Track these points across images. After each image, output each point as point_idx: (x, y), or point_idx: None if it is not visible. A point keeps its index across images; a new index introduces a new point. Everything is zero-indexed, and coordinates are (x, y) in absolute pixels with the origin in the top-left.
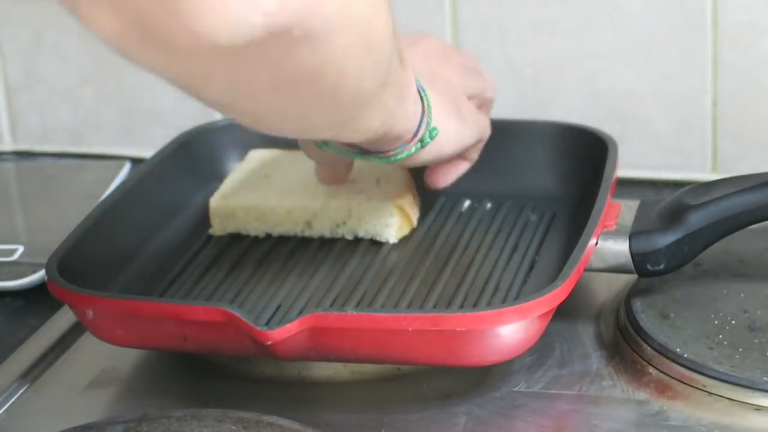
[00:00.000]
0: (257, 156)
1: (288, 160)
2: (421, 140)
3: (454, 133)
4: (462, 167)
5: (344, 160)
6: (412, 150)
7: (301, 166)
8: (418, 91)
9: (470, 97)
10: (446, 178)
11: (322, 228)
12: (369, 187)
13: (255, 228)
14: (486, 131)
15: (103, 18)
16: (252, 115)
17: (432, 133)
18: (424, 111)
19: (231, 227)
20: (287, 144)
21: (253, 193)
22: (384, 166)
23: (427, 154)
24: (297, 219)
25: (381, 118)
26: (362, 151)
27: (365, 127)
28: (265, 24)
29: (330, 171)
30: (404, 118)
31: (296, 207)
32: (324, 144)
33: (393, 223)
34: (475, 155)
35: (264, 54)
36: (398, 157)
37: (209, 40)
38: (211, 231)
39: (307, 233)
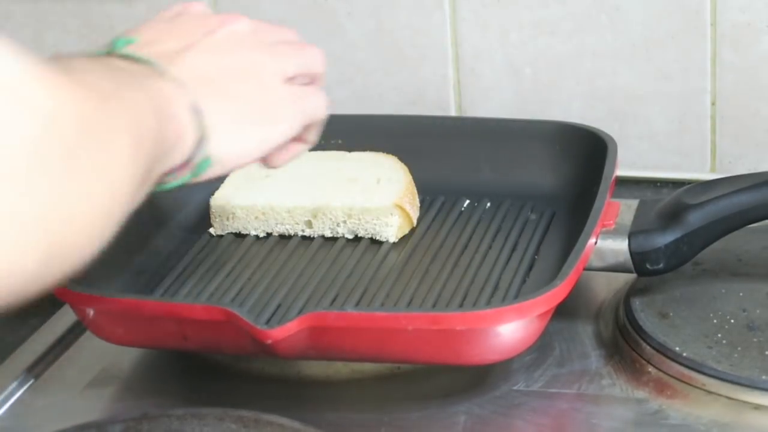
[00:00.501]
0: None
1: None
2: (193, 171)
3: (254, 143)
4: (297, 149)
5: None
6: (184, 178)
7: (302, 164)
8: (192, 117)
9: (292, 78)
10: (278, 160)
11: (322, 227)
12: (369, 186)
13: (255, 227)
14: (317, 110)
15: None
16: None
17: (204, 165)
18: (200, 139)
19: (231, 227)
20: None
21: (254, 192)
22: (384, 165)
23: (211, 175)
24: (297, 218)
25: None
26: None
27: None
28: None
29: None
30: (167, 159)
31: (297, 206)
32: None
33: (393, 223)
34: (312, 137)
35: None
36: (170, 184)
37: None
38: (211, 230)
39: (308, 232)
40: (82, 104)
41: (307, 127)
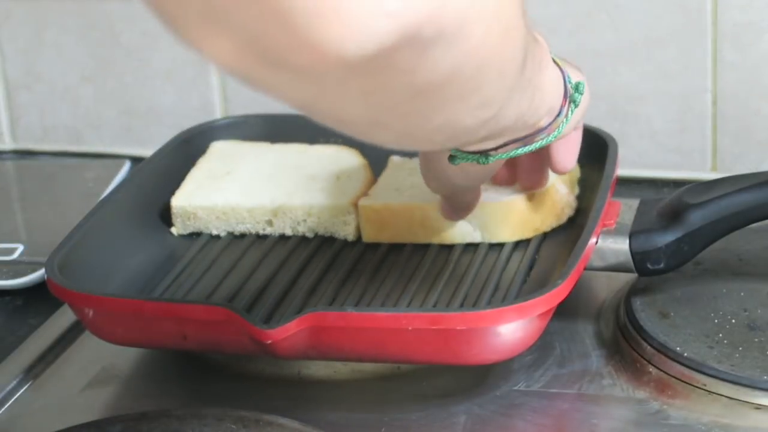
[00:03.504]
0: (220, 149)
1: (251, 154)
2: (573, 100)
3: (586, 88)
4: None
5: (483, 176)
6: (570, 114)
7: (263, 159)
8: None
9: None
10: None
11: (283, 226)
12: (329, 184)
13: (217, 227)
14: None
15: (215, 42)
16: (398, 133)
17: (579, 88)
18: (560, 68)
19: (193, 227)
20: (253, 137)
21: (215, 192)
22: (345, 161)
23: (578, 116)
24: (258, 218)
25: (528, 97)
26: (504, 145)
27: (516, 113)
28: (391, 27)
29: (460, 200)
30: (550, 86)
31: (257, 206)
32: (461, 155)
33: (350, 221)
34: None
35: (397, 61)
36: (561, 129)
37: (332, 54)
38: (173, 230)
39: (269, 231)
40: None
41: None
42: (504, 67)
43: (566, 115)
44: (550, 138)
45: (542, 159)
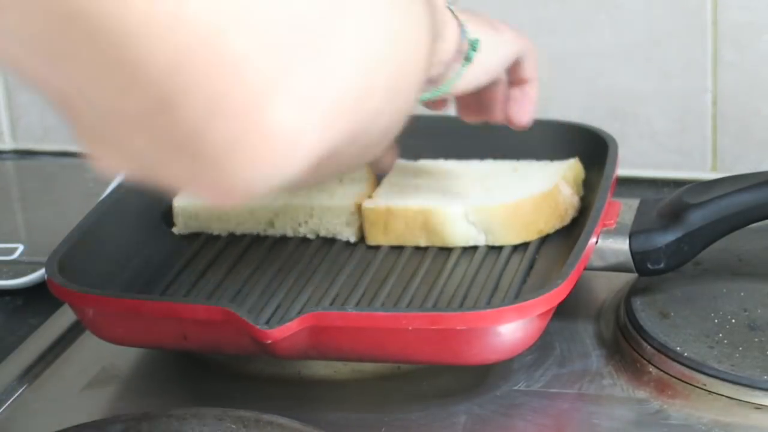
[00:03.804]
0: None
1: None
2: (466, 56)
3: (492, 45)
4: (533, 91)
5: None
6: (460, 70)
7: None
8: (448, 8)
9: None
10: (525, 109)
11: (284, 227)
12: (331, 186)
13: (218, 227)
14: (529, 44)
15: (111, 163)
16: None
17: (474, 45)
18: (460, 25)
19: (194, 226)
20: None
21: None
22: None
23: (478, 72)
24: (259, 218)
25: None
26: None
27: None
28: (305, 161)
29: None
30: (445, 43)
31: (258, 206)
32: None
33: (352, 223)
34: (534, 72)
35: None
36: (449, 82)
37: (241, 190)
38: (174, 229)
39: (270, 232)
40: None
41: (517, 62)
42: (415, 88)
43: (455, 70)
44: (436, 92)
45: (480, 101)
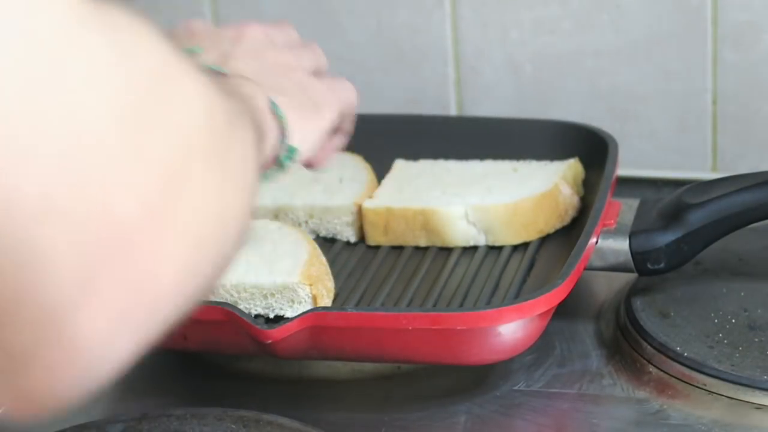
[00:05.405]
0: None
1: None
2: (281, 164)
3: (313, 135)
4: (339, 143)
5: None
6: (269, 174)
7: None
8: (271, 110)
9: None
10: (324, 155)
11: None
12: (331, 186)
13: None
14: (350, 97)
15: None
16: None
17: (291, 155)
18: (282, 132)
19: None
20: None
21: None
22: (348, 165)
23: (289, 168)
24: (260, 218)
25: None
26: None
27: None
28: (120, 364)
29: None
30: (267, 144)
31: (259, 206)
32: None
33: (352, 223)
34: (349, 125)
35: None
36: (272, 173)
37: (47, 405)
38: None
39: None
40: (223, 98)
41: (342, 117)
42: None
43: (264, 175)
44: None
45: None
